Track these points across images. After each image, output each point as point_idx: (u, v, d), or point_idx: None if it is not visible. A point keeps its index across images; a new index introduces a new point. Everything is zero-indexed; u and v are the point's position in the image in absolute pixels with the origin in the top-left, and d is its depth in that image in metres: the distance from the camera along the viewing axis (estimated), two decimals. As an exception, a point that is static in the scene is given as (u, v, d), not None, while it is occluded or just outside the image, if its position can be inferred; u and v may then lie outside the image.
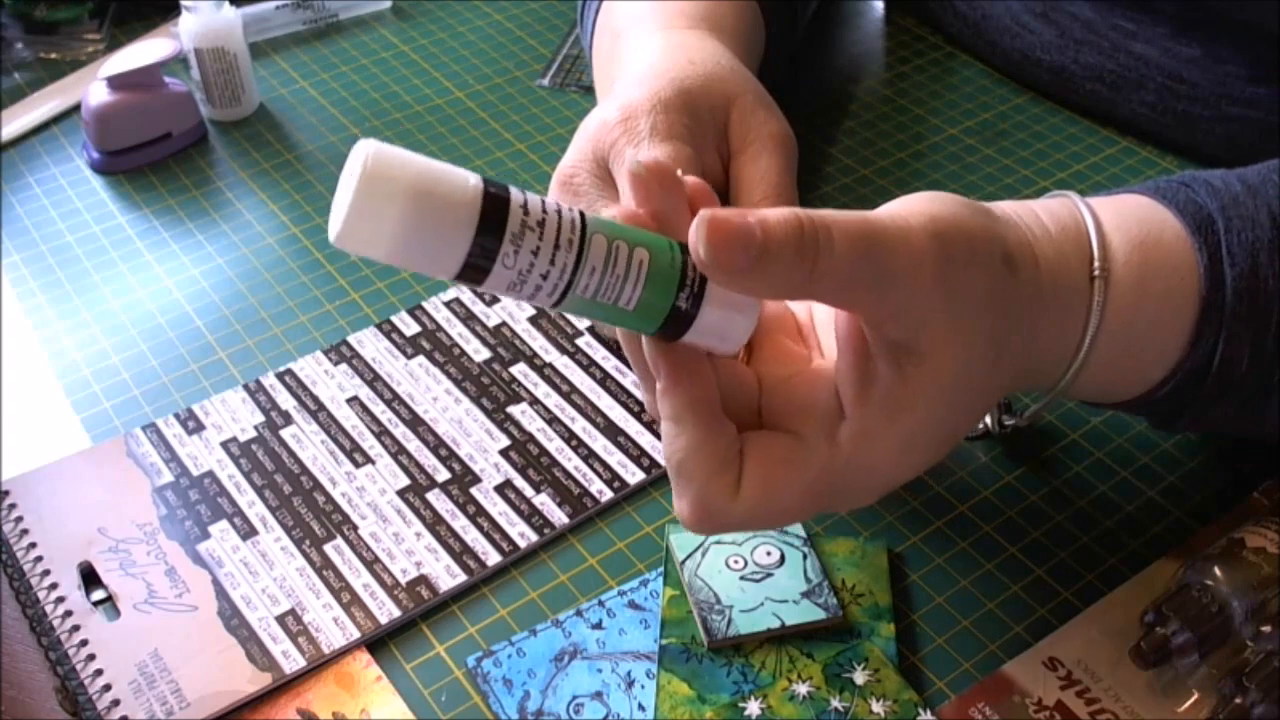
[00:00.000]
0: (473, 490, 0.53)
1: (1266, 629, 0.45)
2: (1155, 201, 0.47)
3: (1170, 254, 0.45)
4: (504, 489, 0.54)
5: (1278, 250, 0.45)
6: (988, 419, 0.55)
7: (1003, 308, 0.41)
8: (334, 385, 0.58)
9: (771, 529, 0.49)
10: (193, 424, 0.57)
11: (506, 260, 0.36)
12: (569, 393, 0.57)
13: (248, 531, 0.52)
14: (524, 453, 0.55)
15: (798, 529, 0.51)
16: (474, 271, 0.36)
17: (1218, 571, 0.46)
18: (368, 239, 0.35)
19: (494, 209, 0.35)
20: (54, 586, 0.50)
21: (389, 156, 0.34)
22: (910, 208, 0.40)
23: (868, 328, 0.40)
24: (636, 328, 0.39)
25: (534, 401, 0.57)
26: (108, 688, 0.46)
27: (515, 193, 0.36)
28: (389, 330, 0.61)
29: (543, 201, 0.37)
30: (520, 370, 0.59)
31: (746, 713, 0.45)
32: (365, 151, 0.34)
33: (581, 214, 0.37)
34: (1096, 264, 0.44)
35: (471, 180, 0.35)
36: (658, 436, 0.55)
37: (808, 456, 0.41)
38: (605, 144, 0.53)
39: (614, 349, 0.59)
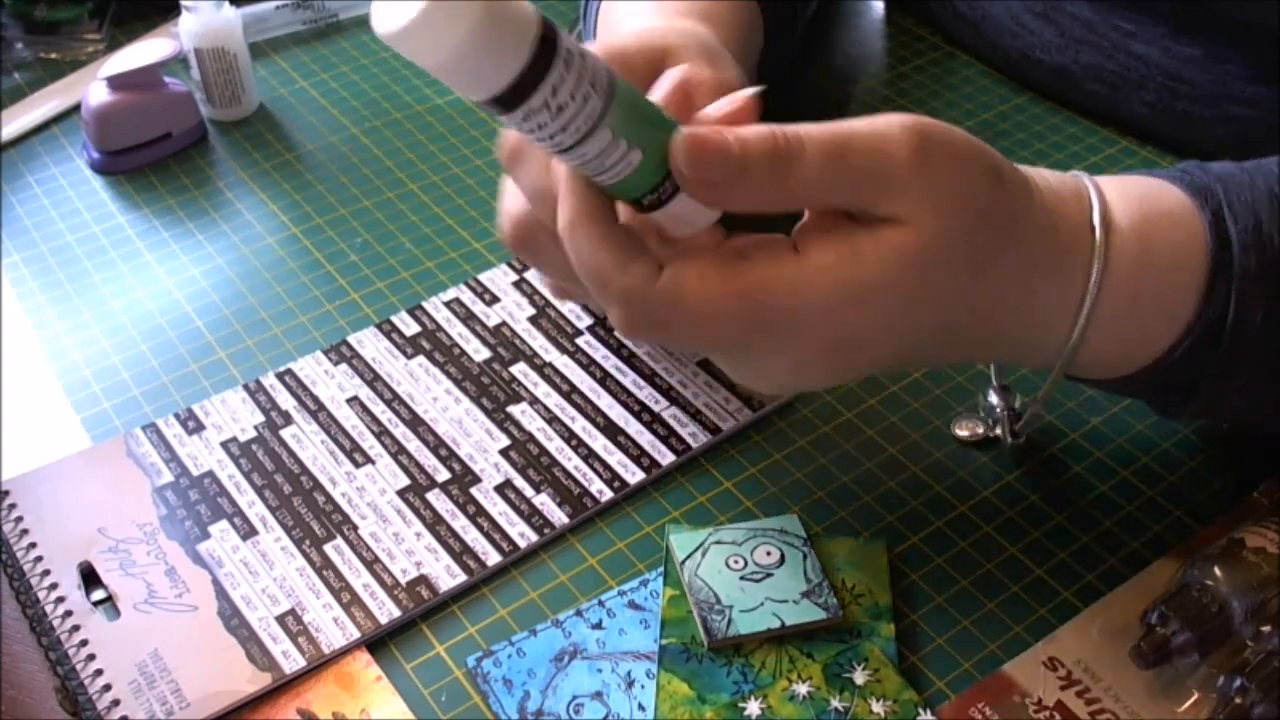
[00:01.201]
0: (473, 490, 0.53)
1: (1266, 629, 0.45)
2: (1152, 176, 0.48)
3: (1171, 211, 0.46)
4: (504, 489, 0.54)
5: (1278, 211, 0.45)
6: (998, 429, 0.55)
7: (985, 212, 0.42)
8: (334, 385, 0.58)
9: (704, 341, 0.43)
10: (193, 424, 0.57)
11: (546, 89, 0.37)
12: (569, 392, 0.58)
13: (248, 531, 0.52)
14: (524, 453, 0.55)
15: (798, 529, 0.51)
16: (517, 91, 0.37)
17: (1218, 571, 0.46)
18: (430, 45, 0.35)
19: (551, 35, 0.36)
20: (54, 586, 0.50)
21: None
22: (891, 115, 0.42)
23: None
24: (618, 192, 0.42)
25: (534, 401, 0.57)
26: (108, 688, 0.46)
27: (564, 34, 0.37)
28: (389, 330, 0.61)
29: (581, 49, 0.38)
30: (520, 370, 0.59)
31: (746, 713, 0.45)
32: None
33: (610, 71, 0.39)
34: (1096, 210, 0.45)
35: (531, 7, 0.36)
36: (658, 436, 0.55)
37: (742, 265, 0.41)
38: None
39: (614, 348, 0.59)
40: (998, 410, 0.55)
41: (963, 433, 0.55)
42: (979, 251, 0.42)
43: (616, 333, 0.44)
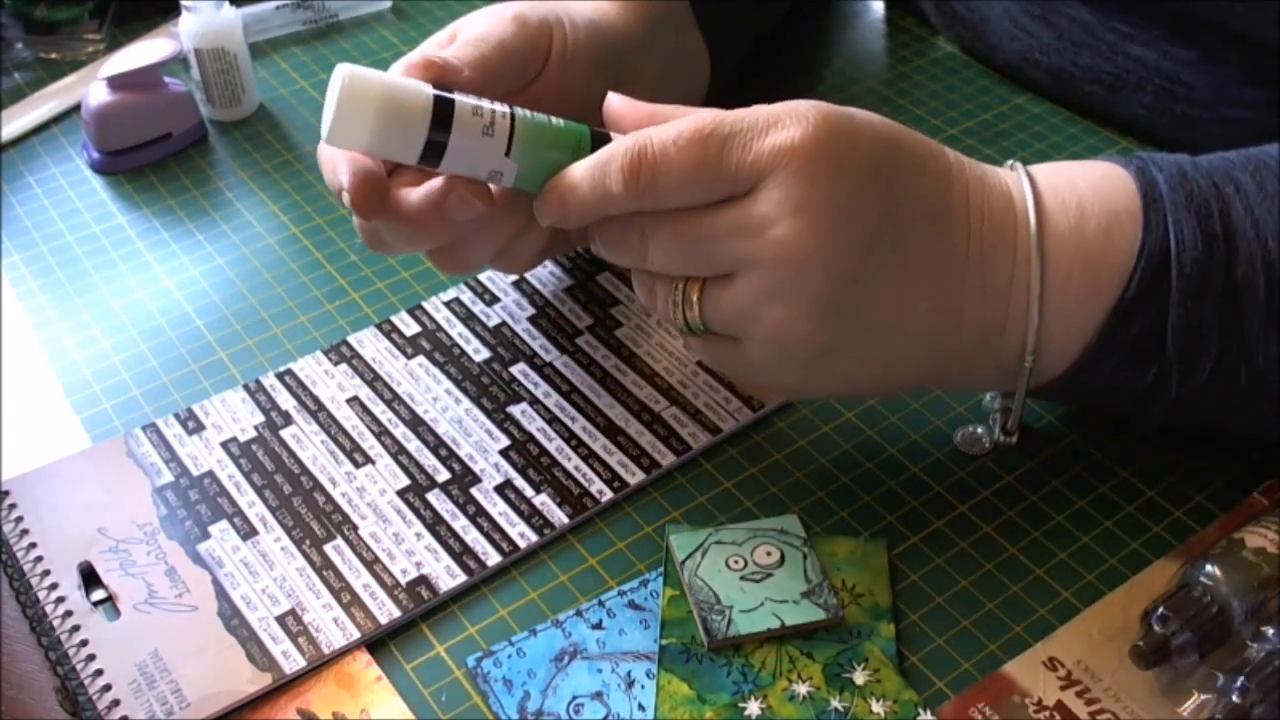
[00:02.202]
0: (473, 490, 0.53)
1: (1266, 629, 0.45)
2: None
3: (1091, 167, 0.50)
4: (504, 489, 0.54)
5: (1199, 168, 0.49)
6: (987, 438, 0.55)
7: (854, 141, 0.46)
8: (334, 385, 0.58)
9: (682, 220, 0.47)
10: (193, 424, 0.57)
11: (453, 146, 0.47)
12: (569, 393, 0.58)
13: (248, 531, 0.52)
14: (524, 453, 0.55)
15: (797, 529, 0.51)
16: (430, 154, 0.47)
17: (1218, 571, 0.46)
18: (351, 140, 0.46)
19: (444, 109, 0.46)
20: (54, 586, 0.50)
21: (362, 74, 0.45)
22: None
23: None
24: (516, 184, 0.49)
25: (534, 401, 0.57)
26: (108, 688, 0.46)
27: (461, 98, 0.47)
28: (389, 330, 0.61)
29: (484, 104, 0.47)
30: (520, 370, 0.59)
31: (746, 713, 0.45)
32: (343, 72, 0.45)
33: (511, 113, 0.48)
34: (1009, 163, 0.50)
35: (421, 91, 0.46)
36: (658, 436, 0.55)
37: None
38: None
39: (614, 348, 0.59)
40: (994, 409, 0.55)
41: (964, 448, 0.55)
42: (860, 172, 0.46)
43: (595, 247, 0.50)
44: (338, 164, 0.49)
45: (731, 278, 0.46)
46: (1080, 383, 0.49)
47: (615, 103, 0.50)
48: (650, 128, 0.46)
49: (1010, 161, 0.51)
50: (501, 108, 0.47)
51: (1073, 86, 0.72)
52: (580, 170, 0.47)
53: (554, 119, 0.49)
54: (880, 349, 0.48)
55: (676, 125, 0.46)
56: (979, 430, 0.55)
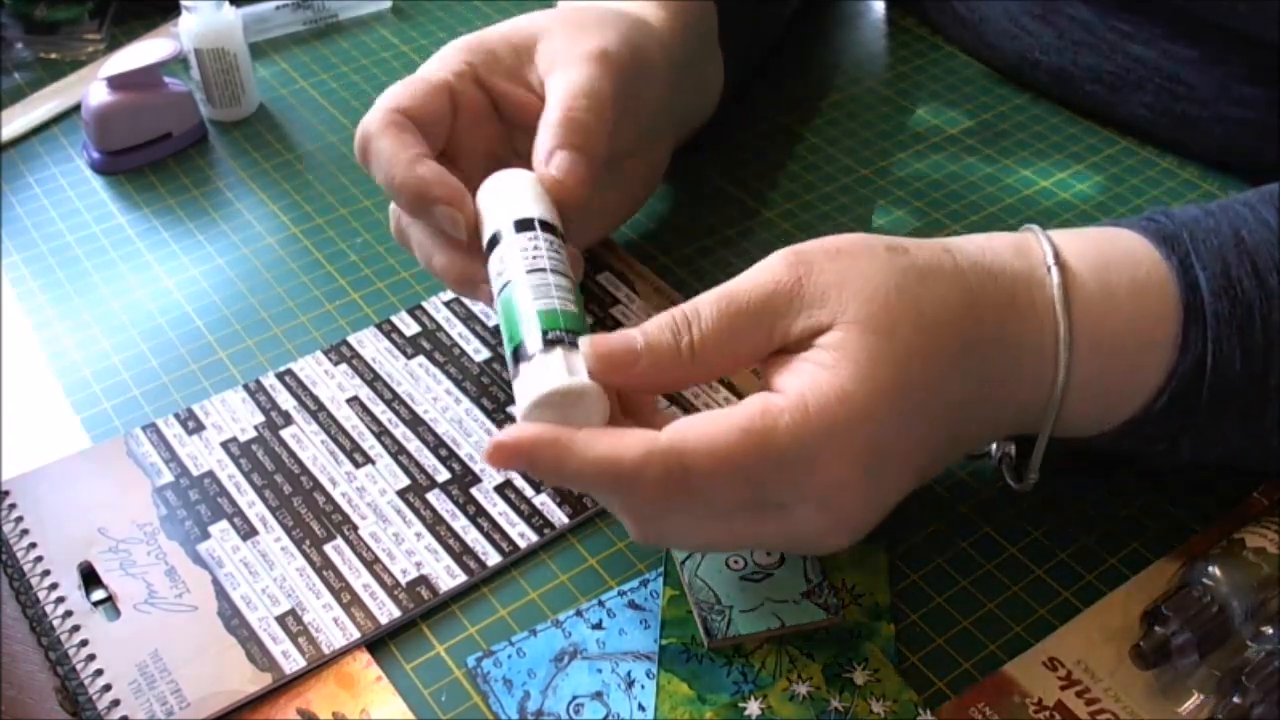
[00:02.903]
0: (473, 490, 0.53)
1: (1266, 629, 0.45)
2: (1115, 225, 0.48)
3: (1131, 257, 0.46)
4: (504, 489, 0.54)
5: (1245, 254, 0.45)
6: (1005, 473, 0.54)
7: (902, 279, 0.43)
8: (334, 385, 0.58)
9: (724, 490, 0.42)
10: (193, 424, 0.57)
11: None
12: (569, 393, 0.57)
13: (248, 532, 0.52)
14: (524, 453, 0.55)
15: (798, 529, 0.51)
16: None
17: (1218, 571, 0.46)
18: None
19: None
20: (54, 586, 0.50)
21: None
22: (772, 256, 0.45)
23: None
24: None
25: (534, 401, 0.57)
26: (108, 688, 0.46)
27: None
28: (389, 330, 0.61)
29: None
30: (520, 370, 0.59)
31: (746, 713, 0.45)
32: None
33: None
34: (1048, 255, 0.46)
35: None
36: (658, 436, 0.55)
37: (729, 417, 0.41)
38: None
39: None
40: (996, 453, 0.54)
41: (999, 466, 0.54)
42: (925, 313, 0.43)
43: (643, 526, 0.45)
44: (425, 176, 0.51)
45: (768, 514, 0.43)
46: (1100, 444, 0.49)
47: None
48: (688, 431, 0.41)
49: (1032, 229, 0.48)
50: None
51: (1073, 86, 0.72)
52: (588, 468, 0.42)
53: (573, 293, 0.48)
54: (929, 459, 0.46)
55: (714, 441, 0.41)
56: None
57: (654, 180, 0.63)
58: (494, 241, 0.49)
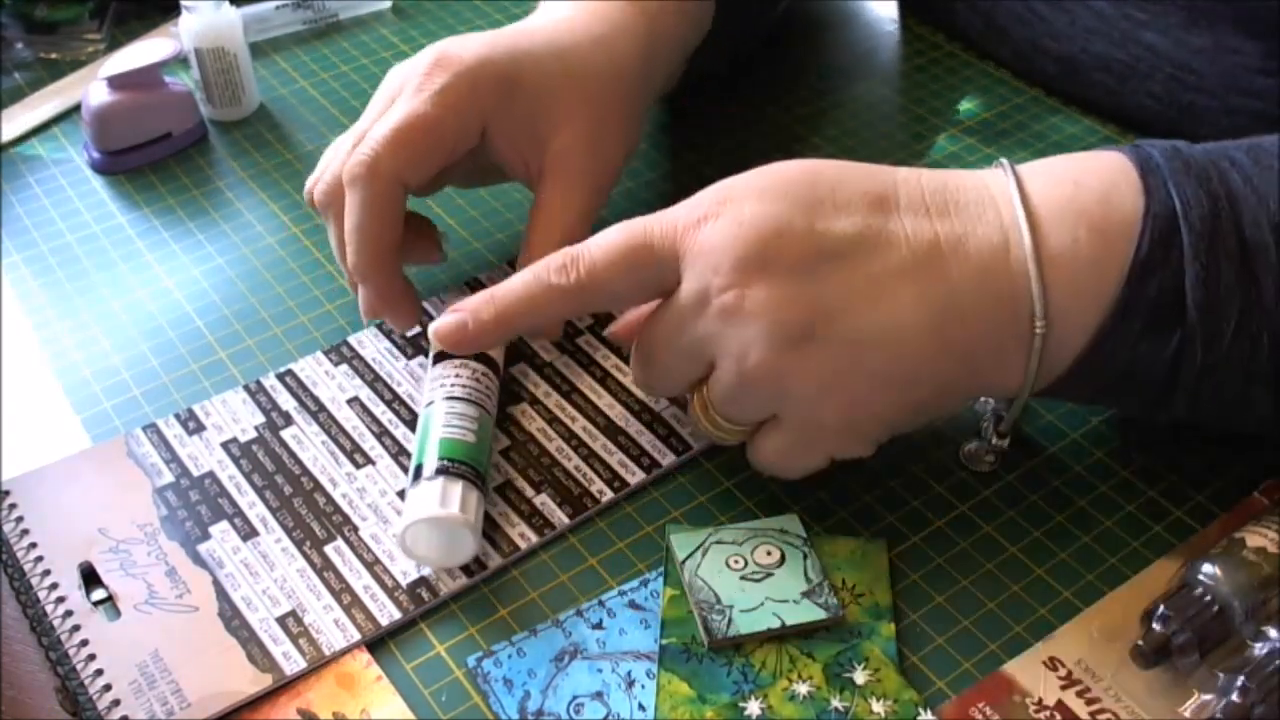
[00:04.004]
0: (473, 490, 0.54)
1: (1267, 629, 0.45)
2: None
3: (1083, 156, 0.50)
4: (504, 489, 0.54)
5: (1192, 147, 0.48)
6: (985, 449, 0.54)
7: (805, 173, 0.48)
8: (334, 386, 0.58)
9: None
10: (193, 424, 0.57)
11: None
12: (569, 392, 0.58)
13: (248, 532, 0.52)
14: (524, 453, 0.55)
15: (798, 529, 0.51)
16: None
17: (1218, 571, 0.46)
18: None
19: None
20: (54, 586, 0.50)
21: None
22: None
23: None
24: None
25: (534, 401, 0.57)
26: (108, 688, 0.46)
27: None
28: (389, 330, 0.61)
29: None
30: (520, 370, 0.59)
31: (746, 712, 0.45)
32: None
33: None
34: (996, 163, 0.50)
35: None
36: (658, 436, 0.55)
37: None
38: (400, 73, 0.58)
39: (614, 348, 0.59)
40: (987, 412, 0.54)
41: (968, 462, 0.54)
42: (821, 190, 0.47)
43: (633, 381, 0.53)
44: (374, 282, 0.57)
45: (714, 363, 0.48)
46: (1100, 363, 0.47)
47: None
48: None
49: (998, 160, 0.51)
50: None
51: (1081, 75, 0.72)
52: (517, 277, 0.51)
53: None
54: (885, 351, 0.46)
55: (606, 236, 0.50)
56: (980, 446, 0.55)
57: (635, 139, 0.63)
58: (437, 358, 0.55)
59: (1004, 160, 0.50)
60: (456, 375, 0.54)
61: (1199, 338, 0.46)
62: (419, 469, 0.51)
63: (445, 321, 0.51)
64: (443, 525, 0.49)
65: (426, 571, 0.50)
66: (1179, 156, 0.48)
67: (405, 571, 0.50)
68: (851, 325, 0.46)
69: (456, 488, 0.50)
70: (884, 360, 0.47)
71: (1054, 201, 0.47)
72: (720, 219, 0.47)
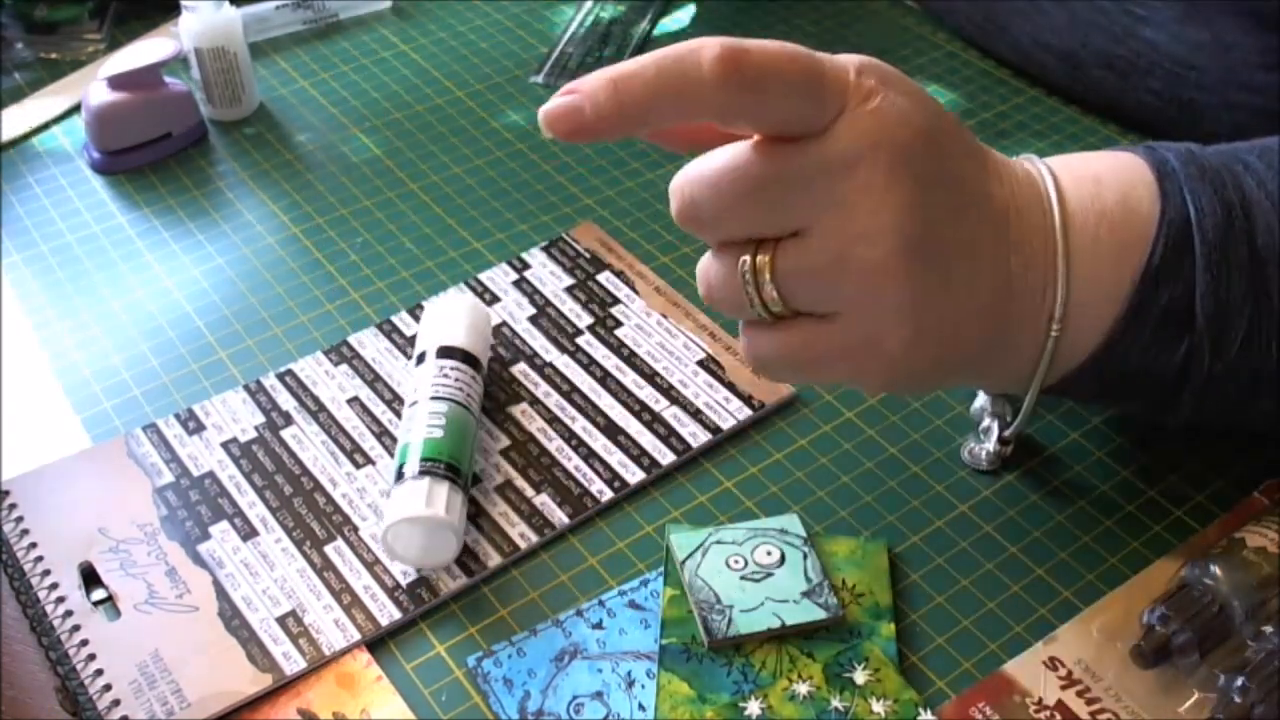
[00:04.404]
0: (473, 490, 0.53)
1: (1267, 629, 0.45)
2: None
3: (1099, 153, 0.50)
4: (504, 489, 0.54)
5: (1205, 152, 0.48)
6: (983, 452, 0.54)
7: (938, 130, 0.44)
8: (334, 386, 0.58)
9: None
10: (193, 424, 0.57)
11: None
12: (569, 392, 0.58)
13: (248, 532, 0.52)
14: (524, 453, 0.55)
15: (798, 529, 0.51)
16: None
17: (1218, 571, 0.46)
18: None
19: None
20: (54, 586, 0.50)
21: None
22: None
23: None
24: None
25: (534, 401, 0.57)
26: (108, 688, 0.46)
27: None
28: (389, 330, 0.61)
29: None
30: (520, 370, 0.59)
31: (747, 712, 0.45)
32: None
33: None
34: (1036, 161, 0.49)
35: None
36: (658, 436, 0.55)
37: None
38: None
39: (614, 348, 0.59)
40: (987, 417, 0.54)
41: (970, 462, 0.54)
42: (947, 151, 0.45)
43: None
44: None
45: (808, 231, 0.43)
46: (1110, 365, 0.47)
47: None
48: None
49: (1022, 155, 0.50)
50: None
51: (1081, 70, 0.72)
52: (647, 58, 0.41)
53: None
54: (956, 305, 0.45)
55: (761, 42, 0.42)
56: (981, 448, 0.55)
57: None
58: (420, 359, 0.55)
59: (1034, 157, 0.49)
60: (440, 376, 0.54)
61: (1207, 345, 0.46)
62: (401, 469, 0.51)
63: (556, 103, 0.42)
64: (425, 525, 0.50)
65: (426, 571, 0.50)
66: (1194, 161, 0.48)
67: (405, 571, 0.50)
68: (949, 259, 0.44)
69: (441, 488, 0.50)
70: (958, 315, 0.45)
71: (1079, 199, 0.47)
72: (892, 102, 0.43)
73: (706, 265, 0.46)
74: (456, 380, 0.54)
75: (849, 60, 0.43)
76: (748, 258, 0.44)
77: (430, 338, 0.56)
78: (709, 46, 0.41)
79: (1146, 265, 0.46)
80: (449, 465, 0.51)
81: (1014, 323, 0.47)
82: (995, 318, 0.46)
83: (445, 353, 0.55)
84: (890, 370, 0.45)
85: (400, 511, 0.49)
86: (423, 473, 0.50)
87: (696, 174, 0.44)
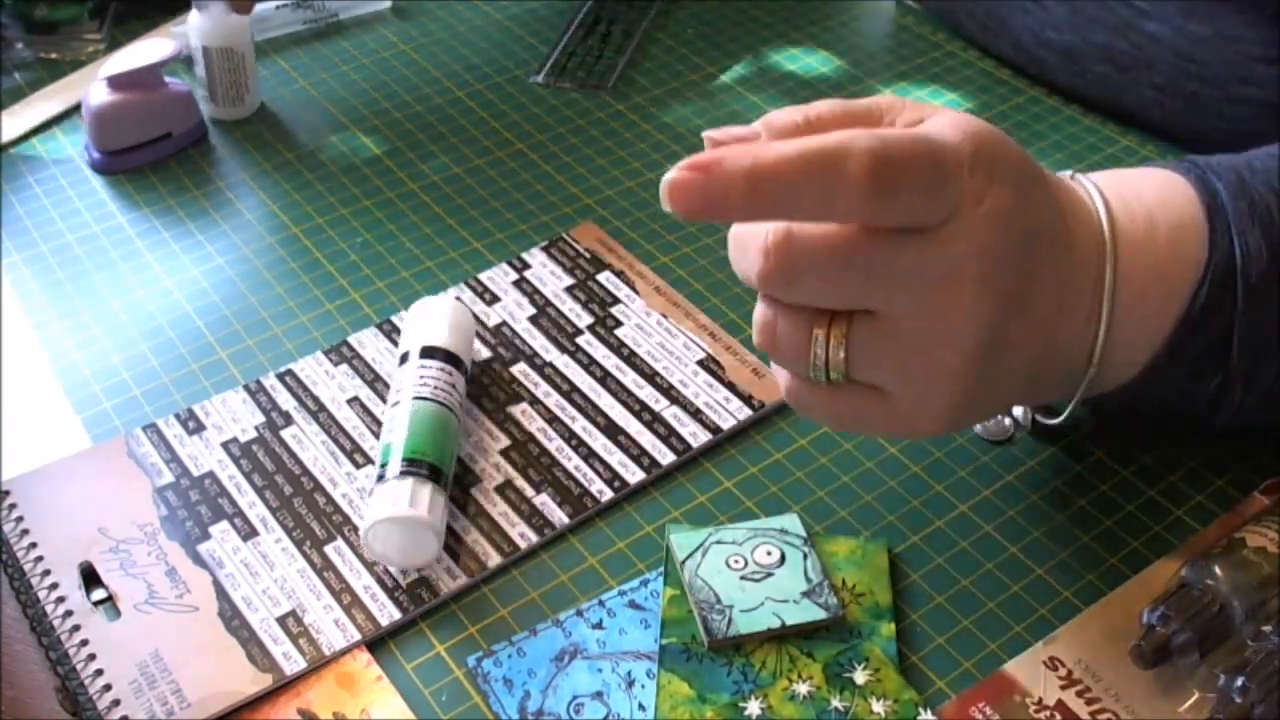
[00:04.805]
0: (473, 491, 0.53)
1: (1267, 629, 0.45)
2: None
3: (1148, 174, 0.49)
4: (504, 489, 0.54)
5: (1255, 172, 0.48)
6: (1018, 413, 0.55)
7: (1033, 218, 0.44)
8: (334, 386, 0.58)
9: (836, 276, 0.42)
10: (193, 424, 0.57)
11: None
12: (569, 392, 0.58)
13: (248, 532, 0.52)
14: (524, 453, 0.55)
15: (798, 529, 0.51)
16: None
17: (1218, 571, 0.46)
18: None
19: None
20: (54, 586, 0.50)
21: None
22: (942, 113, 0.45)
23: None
24: None
25: (534, 401, 0.57)
26: (108, 688, 0.46)
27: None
28: (389, 330, 0.61)
29: None
30: (520, 370, 0.59)
31: (747, 712, 0.45)
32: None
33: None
34: (1069, 173, 0.49)
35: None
36: (658, 436, 0.55)
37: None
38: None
39: (614, 348, 0.59)
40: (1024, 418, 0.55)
41: (987, 435, 0.55)
42: (1030, 251, 0.44)
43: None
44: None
45: (890, 316, 0.43)
46: (1142, 393, 0.49)
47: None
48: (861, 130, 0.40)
49: (1069, 172, 0.49)
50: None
51: (1083, 65, 0.72)
52: (790, 150, 0.39)
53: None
54: (1006, 381, 0.46)
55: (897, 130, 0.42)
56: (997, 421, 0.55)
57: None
58: (403, 359, 0.55)
59: (1090, 184, 0.48)
60: (422, 376, 0.54)
61: (1240, 379, 0.48)
62: (384, 469, 0.51)
63: (683, 178, 0.39)
64: (407, 525, 0.50)
65: (427, 571, 0.50)
66: (1244, 193, 0.47)
67: (405, 571, 0.50)
68: (1008, 350, 0.45)
69: (423, 489, 0.50)
70: (1004, 386, 0.46)
71: (1132, 245, 0.47)
72: (998, 206, 0.42)
73: (770, 319, 0.45)
74: (439, 380, 0.54)
75: (963, 151, 0.42)
76: (823, 330, 0.43)
77: (413, 338, 0.56)
78: (858, 153, 0.39)
79: (1188, 310, 0.47)
80: (431, 466, 0.51)
81: (1053, 369, 0.48)
82: (1035, 371, 0.47)
83: (428, 353, 0.55)
84: (924, 435, 0.50)
85: (382, 511, 0.49)
86: (404, 473, 0.50)
87: (800, 243, 0.42)
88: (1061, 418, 0.51)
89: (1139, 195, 0.48)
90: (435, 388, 0.54)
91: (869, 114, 0.45)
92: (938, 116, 0.44)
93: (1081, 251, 0.46)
